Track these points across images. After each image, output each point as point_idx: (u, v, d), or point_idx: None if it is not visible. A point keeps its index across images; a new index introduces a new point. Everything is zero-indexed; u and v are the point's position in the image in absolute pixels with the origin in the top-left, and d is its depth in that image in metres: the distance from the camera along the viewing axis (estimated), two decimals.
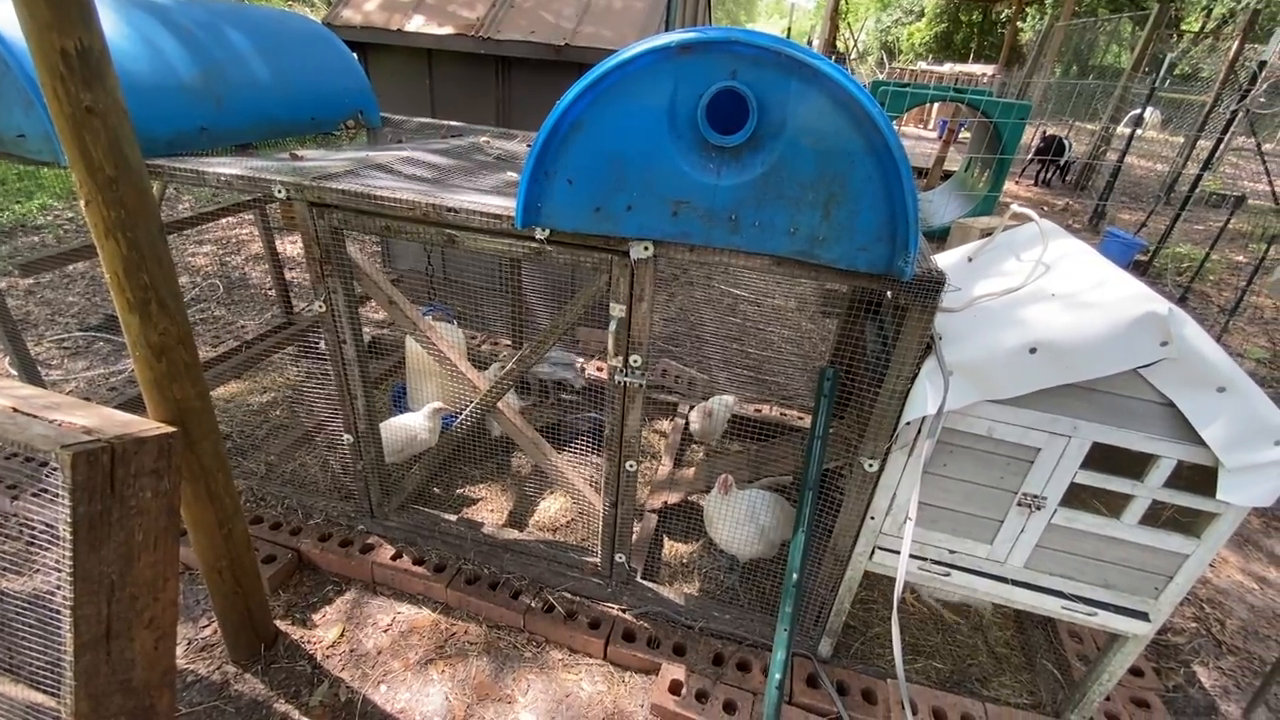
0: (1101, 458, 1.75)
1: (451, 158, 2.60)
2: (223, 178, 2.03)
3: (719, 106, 1.49)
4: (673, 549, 2.86)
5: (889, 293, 2.44)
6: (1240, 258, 7.90)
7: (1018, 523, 1.89)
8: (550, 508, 3.01)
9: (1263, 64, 5.80)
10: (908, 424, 1.76)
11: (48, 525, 1.51)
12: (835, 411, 2.76)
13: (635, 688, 2.28)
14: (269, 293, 5.13)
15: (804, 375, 4.33)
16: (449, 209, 1.86)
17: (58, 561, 1.54)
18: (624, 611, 2.47)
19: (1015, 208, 2.10)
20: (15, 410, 1.64)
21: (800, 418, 3.76)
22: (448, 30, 3.99)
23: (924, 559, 2.02)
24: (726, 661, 2.30)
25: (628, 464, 2.15)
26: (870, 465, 1.89)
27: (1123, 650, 2.03)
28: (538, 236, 1.79)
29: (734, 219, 1.61)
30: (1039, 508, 1.85)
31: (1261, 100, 5.85)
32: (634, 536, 2.62)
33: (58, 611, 1.78)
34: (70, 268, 5.21)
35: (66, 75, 1.32)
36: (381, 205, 1.91)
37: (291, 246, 6.09)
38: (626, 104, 1.51)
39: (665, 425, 3.76)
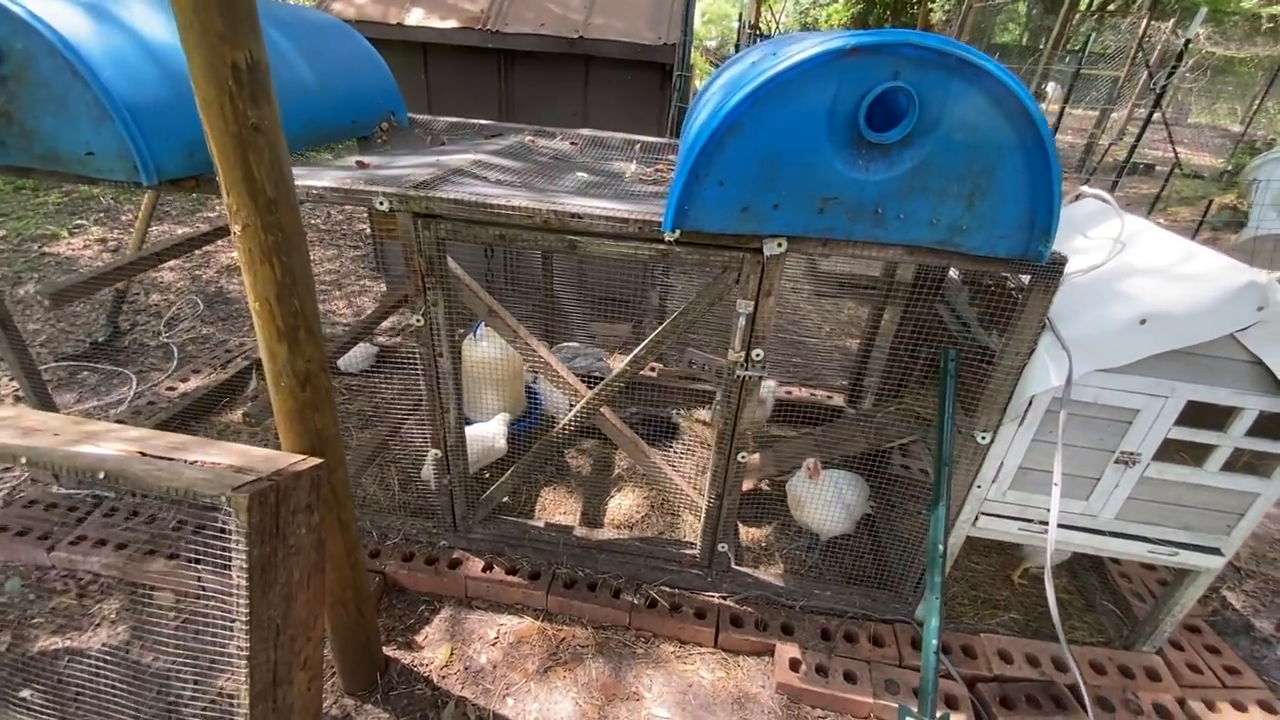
0: (1192, 414, 1.93)
1: (514, 159, 2.55)
2: (314, 191, 1.93)
3: (874, 104, 1.54)
4: (749, 534, 2.94)
5: (953, 272, 2.58)
6: (1160, 220, 8.66)
7: (1113, 479, 2.06)
8: (622, 504, 3.03)
9: (1188, 42, 6.32)
10: (1032, 398, 1.88)
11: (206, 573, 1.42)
12: (897, 388, 2.89)
13: (752, 670, 2.35)
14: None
15: (820, 356, 4.49)
16: (573, 215, 1.83)
17: (221, 611, 1.45)
18: (725, 599, 2.53)
19: (1085, 189, 2.26)
20: (145, 455, 1.53)
21: (829, 397, 3.90)
22: (451, 24, 3.84)
23: (1028, 520, 2.18)
24: (834, 635, 2.41)
25: (739, 455, 2.19)
26: (983, 438, 2.02)
27: (1195, 583, 2.26)
28: (668, 239, 1.80)
29: (879, 212, 1.67)
30: (1134, 463, 2.02)
31: (1188, 76, 6.39)
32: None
33: (138, 664, 1.68)
34: (21, 292, 4.74)
35: (235, 91, 1.23)
36: (497, 214, 1.86)
37: None
38: (787, 105, 1.54)
39: (705, 414, 3.82)
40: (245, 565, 1.40)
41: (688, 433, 3.61)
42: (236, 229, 1.37)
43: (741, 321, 1.90)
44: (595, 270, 4.26)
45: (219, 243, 5.94)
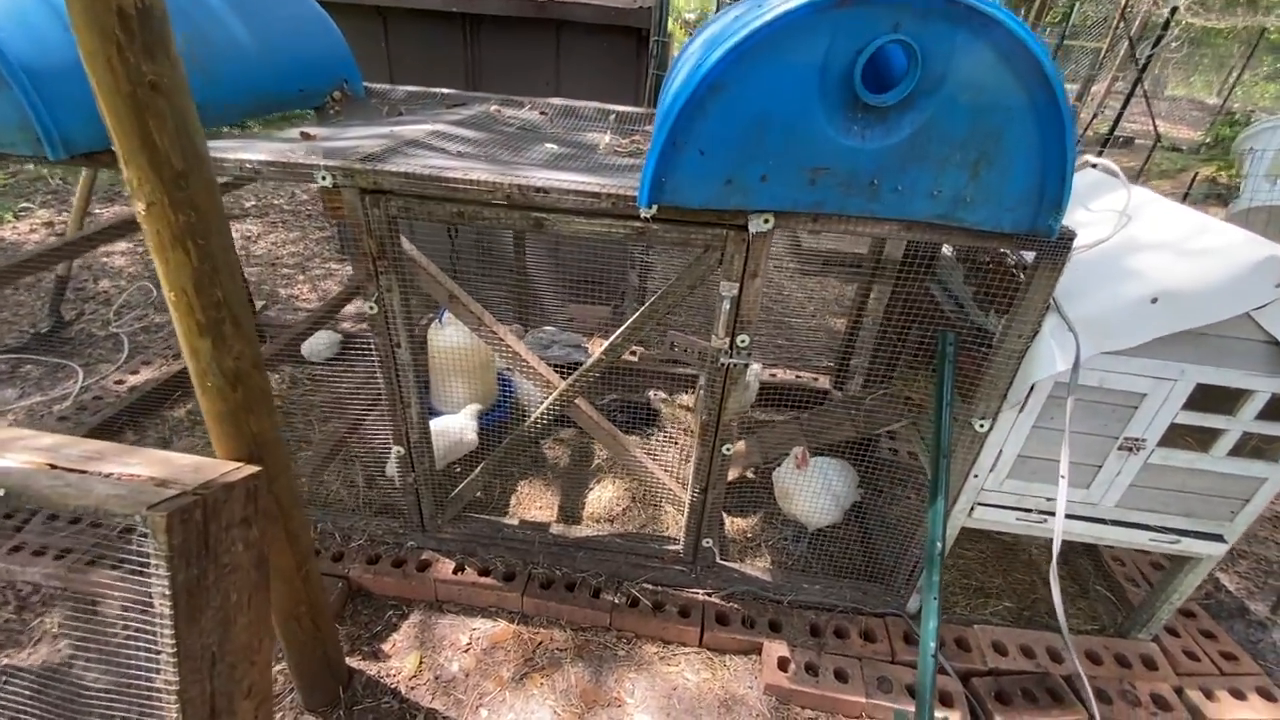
0: (1199, 397, 1.82)
1: (477, 130, 2.34)
2: (249, 165, 1.72)
3: (871, 62, 1.38)
4: (733, 525, 2.82)
5: (946, 249, 2.45)
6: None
7: (1115, 466, 1.96)
8: (602, 496, 2.89)
9: (1174, 10, 6.20)
10: (1034, 384, 1.76)
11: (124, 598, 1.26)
12: (886, 371, 2.77)
13: (739, 670, 2.25)
14: None
15: (804, 336, 4.36)
16: (538, 189, 1.65)
17: (145, 637, 1.29)
18: (709, 595, 2.41)
19: (1090, 159, 2.13)
20: (55, 467, 1.34)
21: (814, 379, 3.79)
22: None
23: (1026, 510, 2.07)
24: (824, 631, 2.31)
25: (724, 448, 2.06)
26: (981, 425, 1.90)
27: (1195, 570, 2.18)
28: (644, 215, 1.63)
29: (874, 185, 1.52)
30: (1139, 450, 1.92)
31: (1173, 46, 6.28)
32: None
33: (82, 685, 1.54)
34: None
35: (124, 41, 1.03)
36: (454, 189, 1.67)
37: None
38: (774, 62, 1.37)
39: (688, 399, 3.69)
40: (168, 591, 1.24)
41: (669, 419, 3.47)
42: (140, 208, 1.18)
43: (725, 305, 1.75)
44: (571, 250, 4.06)
45: None
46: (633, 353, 3.83)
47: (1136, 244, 1.85)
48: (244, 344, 1.37)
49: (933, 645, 1.70)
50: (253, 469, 1.43)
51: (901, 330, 2.67)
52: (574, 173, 1.83)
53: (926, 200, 1.54)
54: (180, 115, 1.14)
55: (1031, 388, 1.82)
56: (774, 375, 3.79)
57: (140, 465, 1.37)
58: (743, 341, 1.83)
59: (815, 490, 2.43)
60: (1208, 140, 11.99)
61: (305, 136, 2.08)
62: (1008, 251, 2.02)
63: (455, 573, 2.39)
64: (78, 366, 3.59)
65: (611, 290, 4.46)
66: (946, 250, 2.47)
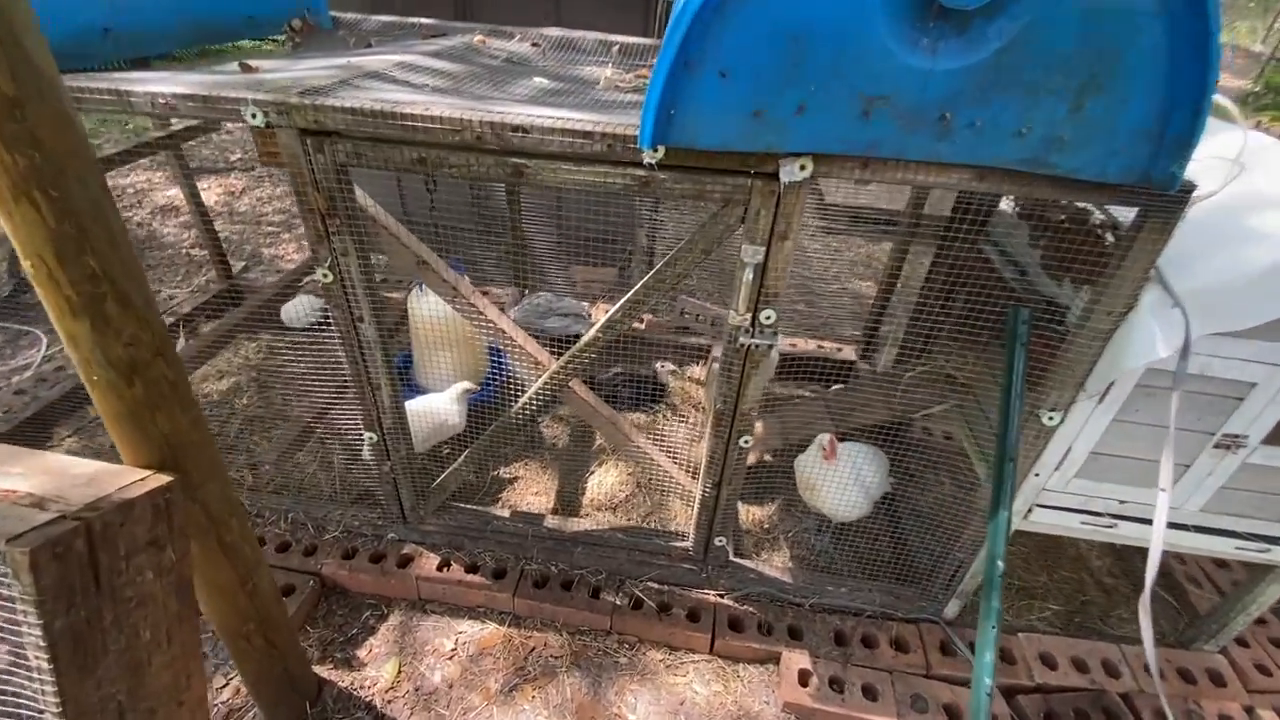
0: None
1: (454, 62, 1.99)
2: (161, 99, 1.40)
3: None
4: (749, 514, 2.56)
5: (1006, 203, 2.09)
6: None
7: (1207, 466, 1.66)
8: (604, 482, 2.63)
9: None
10: (1128, 371, 1.44)
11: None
12: (924, 345, 2.45)
13: (754, 682, 2.01)
14: (190, 253, 4.28)
15: (827, 301, 4.02)
16: (515, 128, 1.32)
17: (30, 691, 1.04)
18: (722, 596, 2.16)
19: None
20: None
21: (838, 349, 3.47)
22: None
23: (1093, 514, 1.78)
24: (850, 639, 2.06)
25: (742, 440, 1.77)
26: (1051, 419, 1.59)
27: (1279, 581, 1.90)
28: (647, 160, 1.30)
29: (944, 119, 1.17)
30: (1237, 448, 1.61)
31: None
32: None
33: None
34: None
35: None
36: (411, 128, 1.35)
37: (205, 193, 5.13)
38: None
39: (698, 372, 3.39)
40: (42, 642, 0.98)
41: (679, 394, 3.18)
42: None
43: (748, 274, 1.43)
44: (573, 205, 3.71)
45: (150, 177, 5.31)
46: (639, 320, 3.52)
47: (1257, 200, 1.49)
48: (138, 327, 1.08)
49: (988, 682, 1.43)
50: (164, 479, 1.16)
51: (944, 298, 2.34)
52: (563, 109, 1.49)
53: (1010, 140, 1.20)
54: (10, 25, 0.82)
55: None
56: (794, 345, 3.47)
57: (21, 476, 1.10)
58: (768, 318, 1.52)
59: (844, 482, 2.14)
60: (1257, 89, 11.19)
61: (245, 69, 1.74)
62: (1091, 207, 1.68)
63: (439, 569, 2.16)
64: (41, 334, 3.34)
65: (618, 251, 4.12)
66: (1005, 205, 2.11)
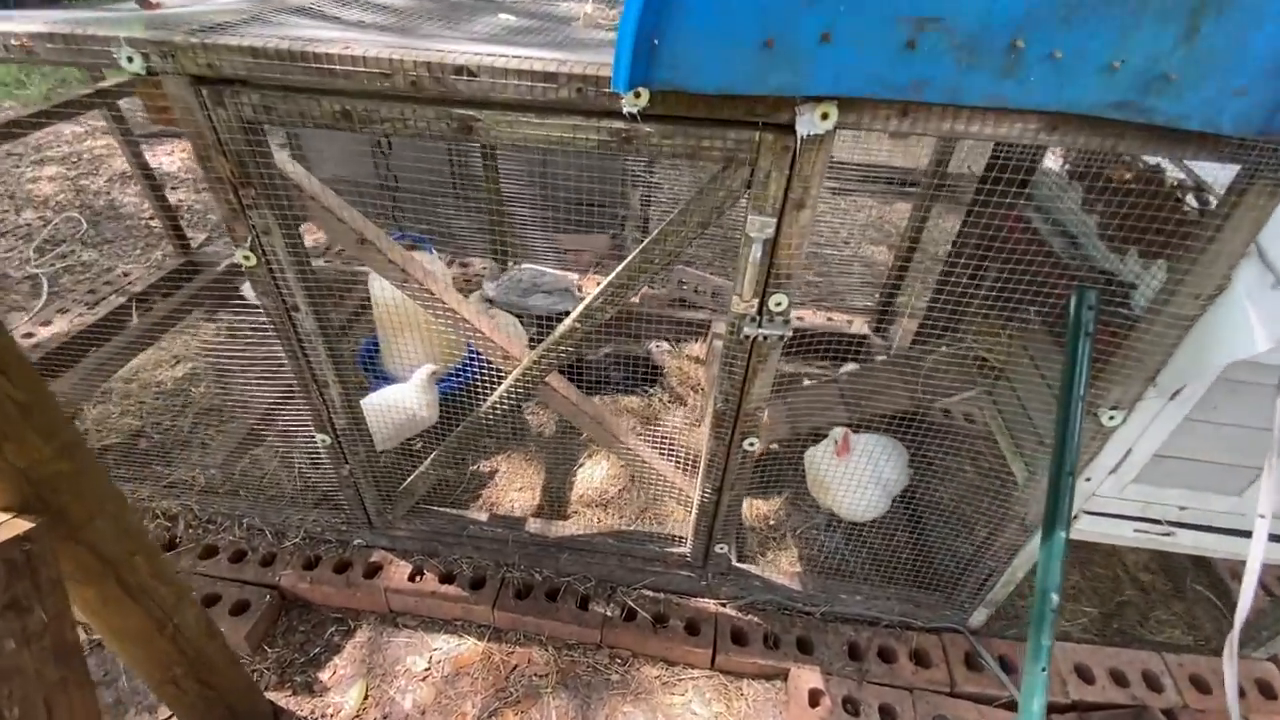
0: None
1: None
2: (14, 40, 1.11)
3: None
4: (752, 508, 2.34)
5: (1051, 159, 1.80)
6: None
7: None
8: (594, 475, 2.41)
9: None
10: (1213, 367, 1.19)
11: None
12: (949, 322, 2.19)
13: (759, 701, 1.82)
14: (150, 224, 3.98)
15: (836, 268, 3.73)
16: (459, 70, 1.04)
17: None
18: (724, 605, 1.96)
19: None
20: None
21: (849, 322, 3.20)
22: None
23: (1151, 521, 1.56)
24: (865, 653, 1.86)
25: (746, 442, 1.53)
26: (1111, 419, 1.34)
27: None
28: (626, 108, 1.02)
29: (1015, 48, 0.89)
30: None
31: None
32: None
33: None
34: None
35: None
36: (331, 72, 1.06)
37: (168, 158, 4.80)
38: None
39: (698, 349, 3.14)
40: None
41: (675, 374, 2.93)
42: None
43: (755, 252, 1.16)
44: (559, 164, 3.38)
45: (111, 141, 4.95)
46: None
47: None
48: None
49: None
50: (21, 525, 0.92)
51: (975, 270, 2.06)
52: (526, 48, 1.20)
53: (1097, 78, 0.92)
54: None
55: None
56: (800, 318, 3.21)
57: None
58: (778, 305, 1.26)
59: (860, 479, 1.91)
60: None
61: (147, 5, 1.44)
62: (1167, 164, 1.40)
63: (411, 579, 1.95)
64: None
65: (610, 215, 3.81)
66: (1051, 161, 1.82)
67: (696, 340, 3.17)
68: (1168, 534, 1.58)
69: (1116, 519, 1.56)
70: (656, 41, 0.88)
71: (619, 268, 1.29)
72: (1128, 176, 1.45)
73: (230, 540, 2.03)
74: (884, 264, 3.84)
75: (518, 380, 1.53)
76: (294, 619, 1.94)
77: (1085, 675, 1.85)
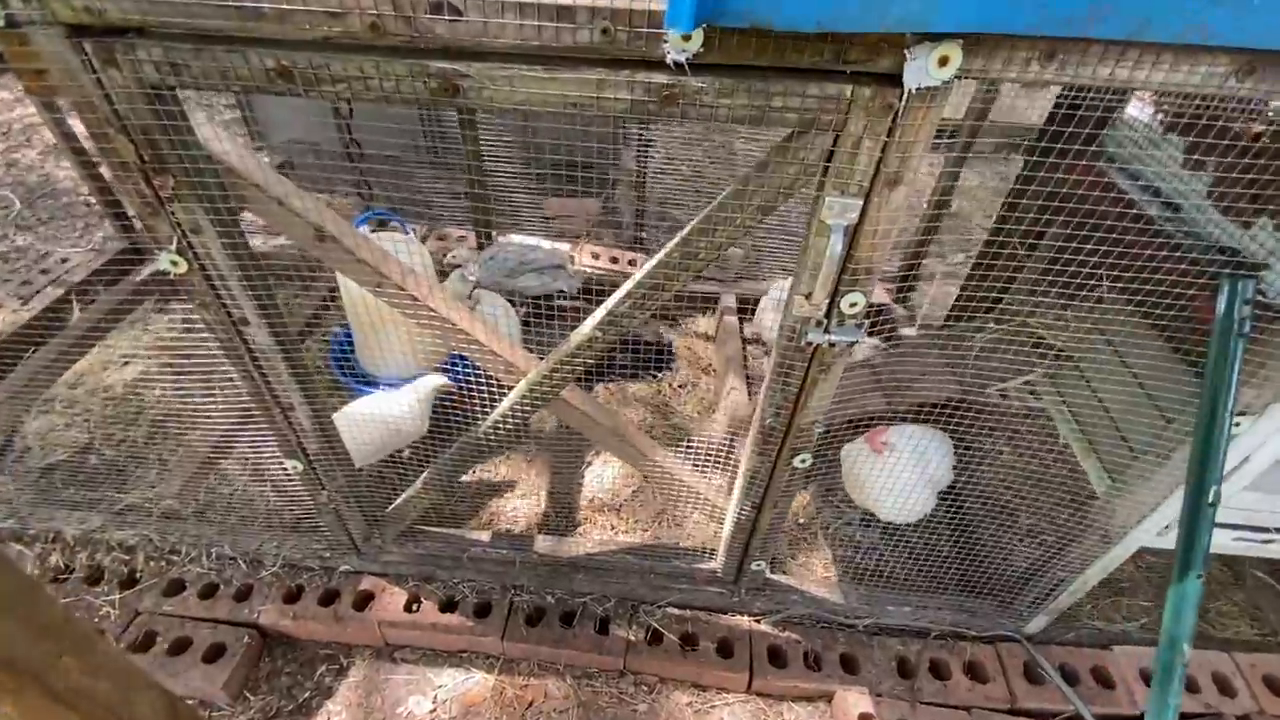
0: None
1: None
2: None
3: None
4: None
5: (1135, 108, 1.54)
6: None
7: None
8: (605, 475, 2.18)
9: None
10: None
11: None
12: (997, 294, 1.96)
13: None
14: (90, 201, 3.58)
15: None
16: (437, 5, 0.75)
17: None
18: (758, 621, 1.77)
19: None
20: None
21: (888, 288, 2.95)
22: None
23: (1260, 529, 1.37)
24: (916, 669, 1.69)
25: (797, 459, 1.30)
26: (1238, 425, 1.13)
27: None
28: (671, 56, 0.74)
29: None
30: None
31: None
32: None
33: None
34: None
35: None
36: (259, 13, 0.77)
37: None
38: None
39: (704, 323, 2.89)
40: None
41: (684, 355, 2.69)
42: None
43: (834, 244, 0.90)
44: (543, 119, 3.03)
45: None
46: (631, 262, 2.96)
47: None
48: None
49: None
50: None
51: (1029, 236, 1.82)
52: None
53: None
54: None
55: None
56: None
57: None
58: (853, 305, 1.00)
59: (904, 475, 1.71)
60: None
61: None
62: None
63: (408, 608, 1.73)
64: None
65: (601, 177, 3.48)
66: (1135, 110, 1.56)
67: (705, 314, 2.92)
68: (1268, 541, 1.39)
69: (1216, 527, 1.37)
70: None
71: (649, 264, 1.02)
72: (1258, 129, 1.19)
73: (199, 572, 1.79)
74: (904, 223, 3.58)
75: (524, 397, 1.27)
76: (278, 659, 1.72)
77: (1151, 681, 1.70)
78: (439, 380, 1.79)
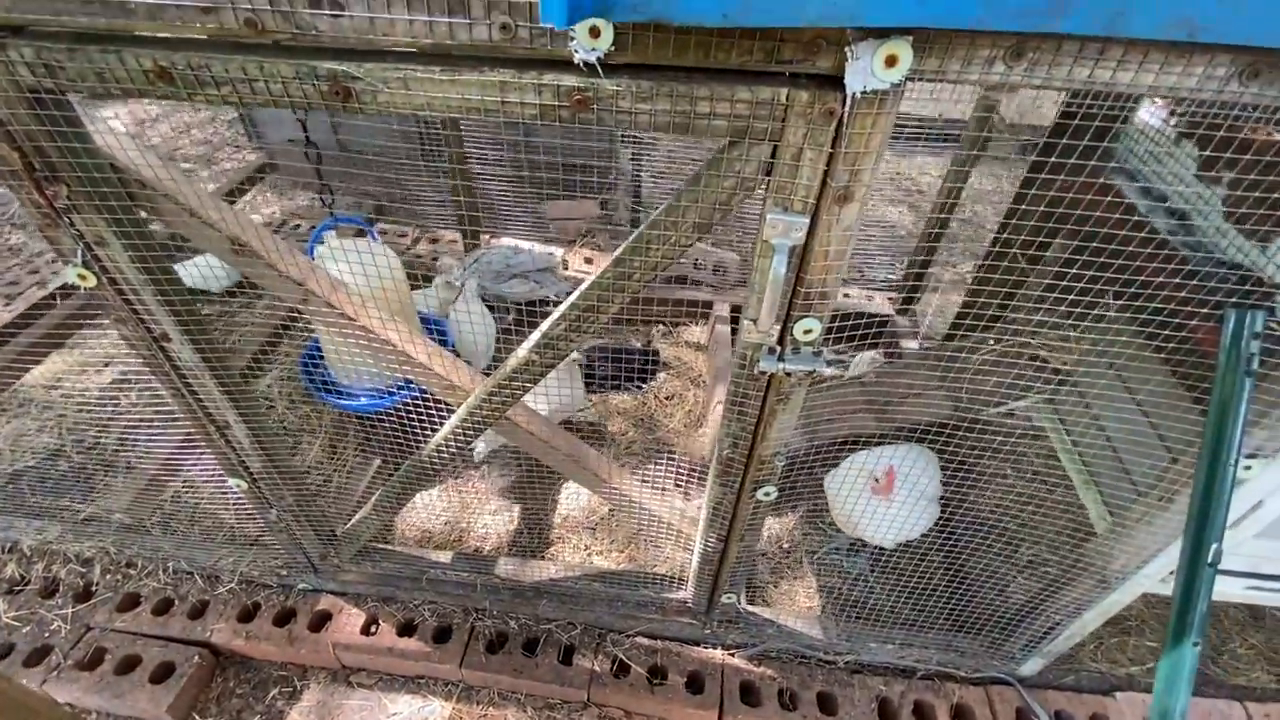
0: None
1: None
2: None
3: None
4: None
5: (1148, 113, 1.42)
6: None
7: None
8: (580, 492, 2.09)
9: None
10: None
11: None
12: (998, 308, 1.84)
13: None
14: None
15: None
16: (315, 0, 0.67)
17: None
18: (732, 654, 1.67)
19: None
20: None
21: (868, 297, 2.84)
22: None
23: (1262, 576, 1.24)
24: (898, 711, 1.58)
25: (760, 492, 1.20)
26: (1247, 468, 1.01)
27: None
28: (579, 55, 0.65)
29: None
30: None
31: None
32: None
33: None
34: None
35: None
36: (128, 8, 0.69)
37: (117, 124, 4.34)
38: None
39: (697, 332, 2.79)
40: None
41: (675, 365, 2.59)
42: None
43: (776, 264, 0.80)
44: (539, 122, 2.96)
45: None
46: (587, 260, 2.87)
47: None
48: None
49: None
50: None
51: (1033, 248, 1.70)
52: None
53: None
54: None
55: None
56: None
57: None
58: (807, 332, 0.90)
59: (901, 509, 1.60)
60: None
61: None
62: None
63: (365, 631, 1.66)
64: None
65: (599, 180, 3.39)
66: (1147, 115, 1.43)
67: (697, 323, 2.82)
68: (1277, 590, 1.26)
69: (1225, 575, 1.25)
70: None
71: (584, 285, 0.93)
72: (1277, 138, 1.07)
73: (155, 587, 1.74)
74: (907, 227, 3.45)
75: (463, 421, 1.19)
76: (230, 679, 1.66)
77: None
78: (574, 355, 1.80)
